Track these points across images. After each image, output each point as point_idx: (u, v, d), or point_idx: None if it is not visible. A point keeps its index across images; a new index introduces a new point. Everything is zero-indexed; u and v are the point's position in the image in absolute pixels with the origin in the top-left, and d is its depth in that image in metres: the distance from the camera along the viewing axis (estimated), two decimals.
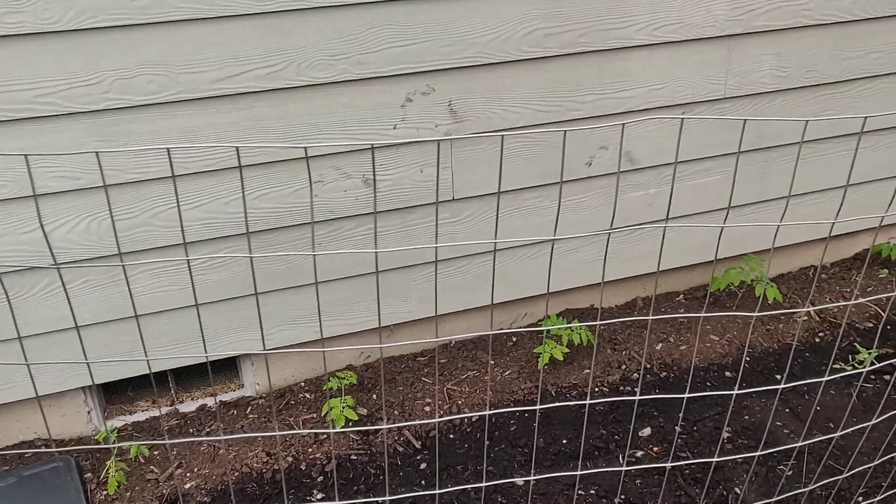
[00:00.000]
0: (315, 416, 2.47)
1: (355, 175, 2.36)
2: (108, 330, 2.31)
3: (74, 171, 2.09)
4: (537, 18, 2.32)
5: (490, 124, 2.42)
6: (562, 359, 2.56)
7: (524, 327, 2.85)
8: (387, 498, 1.83)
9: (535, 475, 2.18)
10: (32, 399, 2.35)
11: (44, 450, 2.06)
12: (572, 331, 2.63)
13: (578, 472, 1.68)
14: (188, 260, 1.22)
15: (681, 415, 1.96)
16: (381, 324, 2.64)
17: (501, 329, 2.85)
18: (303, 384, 2.63)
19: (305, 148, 1.15)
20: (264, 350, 2.50)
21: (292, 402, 2.55)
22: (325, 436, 2.39)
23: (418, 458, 2.31)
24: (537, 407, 1.43)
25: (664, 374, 2.63)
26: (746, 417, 2.43)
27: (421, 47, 2.24)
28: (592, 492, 2.16)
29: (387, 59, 2.23)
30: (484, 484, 1.69)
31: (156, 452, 2.37)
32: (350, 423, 2.37)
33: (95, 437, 2.43)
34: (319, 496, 2.18)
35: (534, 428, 2.40)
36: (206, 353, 2.45)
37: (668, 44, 2.50)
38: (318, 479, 2.24)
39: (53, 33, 1.92)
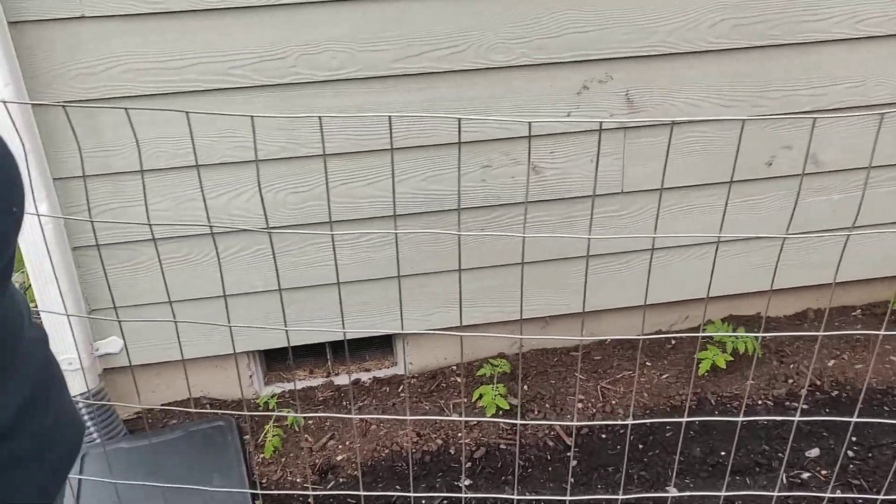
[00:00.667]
0: (467, 400, 2.46)
1: (524, 161, 2.32)
2: (273, 298, 2.39)
3: (257, 142, 2.15)
4: (727, 8, 2.20)
5: (667, 116, 2.32)
6: (724, 367, 2.44)
7: (684, 331, 2.74)
8: (519, 497, 1.80)
9: (685, 490, 2.08)
10: (201, 359, 2.47)
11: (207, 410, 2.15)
12: (737, 339, 2.49)
13: (723, 493, 1.58)
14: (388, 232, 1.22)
15: (853, 439, 1.81)
16: (522, 315, 2.60)
17: (660, 330, 2.74)
18: (454, 367, 2.63)
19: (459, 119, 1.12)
20: (403, 331, 2.52)
21: (443, 385, 2.56)
22: (475, 421, 2.38)
23: (568, 454, 2.26)
24: (683, 419, 1.35)
25: (835, 392, 2.45)
26: None
27: (601, 34, 2.17)
28: None
29: (566, 45, 2.18)
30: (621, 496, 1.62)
31: (311, 422, 2.43)
32: (500, 412, 2.34)
33: (255, 401, 2.52)
34: (467, 482, 2.17)
35: (691, 436, 2.29)
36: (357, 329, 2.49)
37: (869, 38, 2.32)
38: (467, 465, 2.23)
39: (248, 8, 1.99)
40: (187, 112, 1.37)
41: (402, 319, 2.47)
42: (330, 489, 2.18)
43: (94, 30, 1.97)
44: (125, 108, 1.38)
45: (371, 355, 2.69)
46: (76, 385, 2.27)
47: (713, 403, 2.42)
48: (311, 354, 2.65)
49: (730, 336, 2.49)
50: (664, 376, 2.53)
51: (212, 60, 2.04)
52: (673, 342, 2.69)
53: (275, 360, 2.67)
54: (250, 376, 2.57)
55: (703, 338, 2.64)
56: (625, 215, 2.45)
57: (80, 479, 2.15)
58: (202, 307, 2.36)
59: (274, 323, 2.42)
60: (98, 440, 2.31)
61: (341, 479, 2.20)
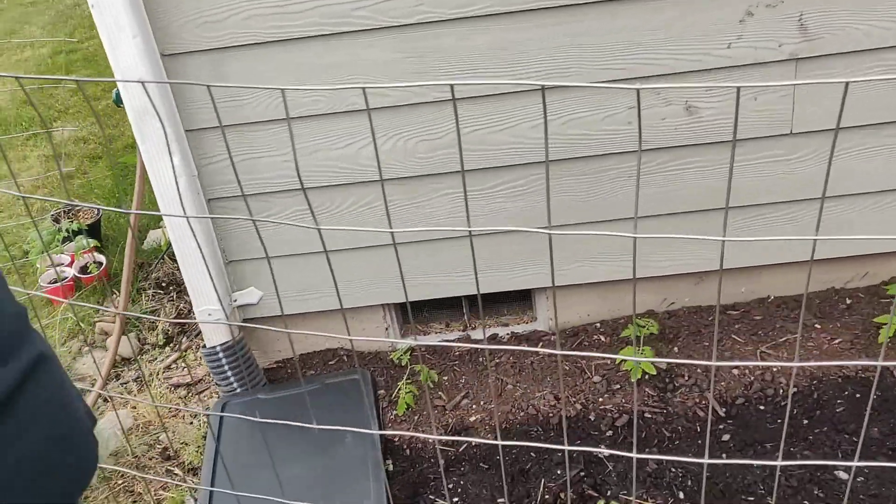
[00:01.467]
0: (609, 362, 2.30)
1: (676, 101, 2.08)
2: (408, 251, 2.30)
3: (383, 88, 2.04)
4: None
5: (849, 43, 2.00)
6: None
7: (861, 290, 2.41)
8: (705, 461, 1.62)
9: (859, 476, 1.83)
10: (337, 311, 2.44)
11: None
12: None
13: None
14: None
15: None
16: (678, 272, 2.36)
17: (832, 288, 2.44)
18: (598, 325, 2.46)
19: None
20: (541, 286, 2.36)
21: (585, 343, 2.40)
22: (617, 386, 2.21)
23: (720, 426, 2.06)
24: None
25: None
26: None
27: None
28: None
29: None
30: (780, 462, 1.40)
31: (445, 378, 2.35)
32: (646, 377, 2.16)
33: (390, 356, 2.46)
34: (606, 452, 2.02)
35: (865, 412, 2.02)
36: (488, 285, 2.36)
37: None
38: (607, 433, 2.08)
39: None
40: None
41: (552, 273, 2.32)
42: (462, 451, 2.10)
43: None
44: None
45: (509, 309, 2.57)
46: (217, 336, 2.30)
47: (895, 376, 2.12)
48: (447, 307, 2.56)
49: None
50: (836, 341, 2.24)
51: (333, 2, 1.93)
52: (848, 302, 2.38)
53: (412, 313, 2.60)
54: (386, 329, 2.52)
55: (886, 297, 2.32)
56: (793, 160, 2.16)
57: (220, 427, 2.19)
58: (337, 259, 2.31)
59: (409, 276, 2.34)
60: (238, 389, 2.34)
61: (473, 443, 2.11)
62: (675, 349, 2.31)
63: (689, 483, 1.91)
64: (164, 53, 2.00)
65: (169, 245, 3.33)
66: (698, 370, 2.22)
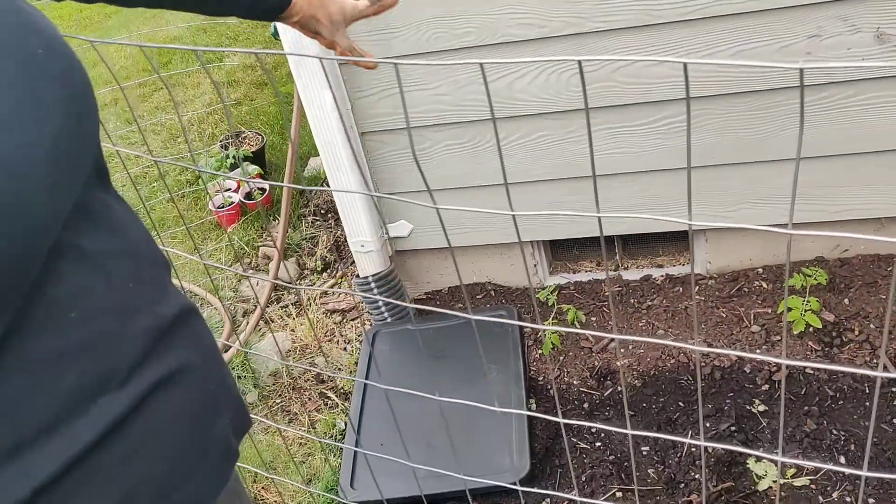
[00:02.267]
0: (769, 311, 2.16)
1: (866, 28, 1.86)
2: (560, 188, 2.23)
3: (539, 18, 1.96)
4: None
5: None
6: None
7: None
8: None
9: None
10: (485, 246, 2.42)
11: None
12: None
13: None
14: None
15: None
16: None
17: None
18: (760, 270, 2.31)
19: None
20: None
21: (745, 290, 2.26)
22: (777, 337, 2.08)
23: (894, 389, 1.89)
24: None
25: None
26: None
27: None
28: None
29: None
30: None
31: (593, 319, 2.30)
32: (811, 330, 2.02)
33: (538, 292, 2.43)
34: (761, 408, 1.91)
35: None
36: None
37: None
38: (763, 388, 1.97)
39: None
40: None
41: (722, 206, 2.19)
42: (607, 396, 2.06)
43: None
44: None
45: (664, 249, 2.46)
46: (369, 266, 2.36)
47: None
48: (598, 246, 2.49)
49: None
50: None
51: None
52: None
53: (560, 250, 2.55)
54: (535, 265, 2.48)
55: None
56: None
57: (370, 355, 2.26)
58: (485, 194, 2.29)
59: (559, 212, 2.28)
60: (389, 319, 2.40)
61: (619, 388, 2.07)
62: (846, 301, 2.13)
63: (853, 448, 1.78)
64: None
65: (324, 178, 3.43)
66: (871, 325, 2.05)
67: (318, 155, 3.41)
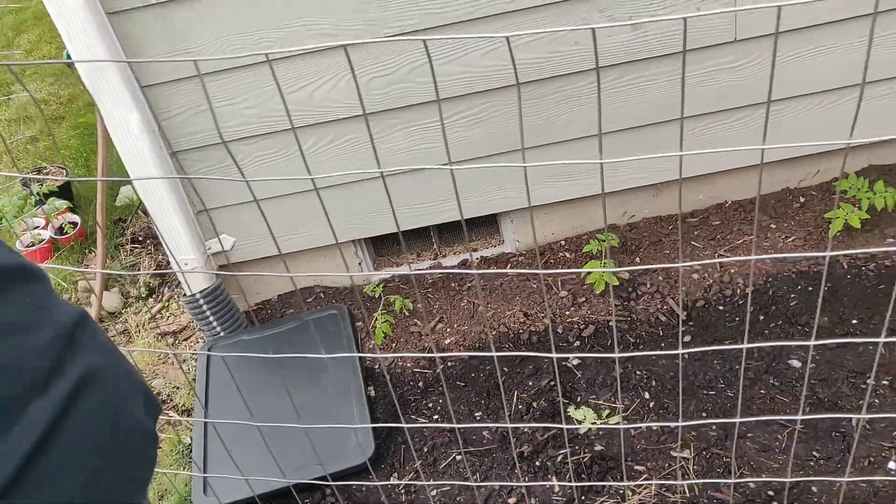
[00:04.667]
0: (574, 277, 2.39)
1: (621, 17, 2.12)
2: (375, 185, 2.36)
3: (334, 28, 2.07)
4: None
5: None
6: (859, 226, 2.22)
7: (814, 188, 2.50)
8: (620, 355, 1.72)
9: (812, 363, 1.95)
10: (311, 249, 2.51)
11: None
12: (874, 193, 2.25)
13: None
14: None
15: None
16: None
17: (786, 188, 2.52)
18: (563, 243, 2.54)
19: None
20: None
21: (552, 261, 2.49)
22: (583, 299, 2.31)
23: (682, 329, 2.16)
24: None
25: None
26: None
27: None
28: (885, 382, 1.89)
29: None
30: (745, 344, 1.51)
31: (419, 306, 2.44)
32: (609, 287, 2.26)
33: (365, 289, 2.55)
34: (575, 361, 2.13)
35: (816, 304, 2.13)
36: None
37: None
38: (575, 344, 2.19)
39: None
40: None
41: (529, 193, 2.39)
42: (439, 371, 2.21)
43: None
44: None
45: (477, 234, 2.65)
46: (196, 283, 2.38)
47: (845, 267, 2.23)
48: (417, 238, 2.64)
49: (864, 189, 2.25)
50: (790, 239, 2.35)
51: None
52: (802, 200, 2.47)
53: (382, 247, 2.68)
54: (359, 264, 2.60)
55: (834, 192, 2.41)
56: (739, 66, 2.21)
57: (207, 368, 2.28)
58: (305, 199, 2.37)
59: (377, 211, 2.40)
60: (222, 333, 2.43)
61: (450, 363, 2.22)
62: (637, 259, 2.40)
63: (654, 383, 2.02)
64: (108, 12, 2.01)
65: (141, 200, 3.38)
66: (660, 277, 2.32)
67: (129, 184, 3.35)
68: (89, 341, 0.72)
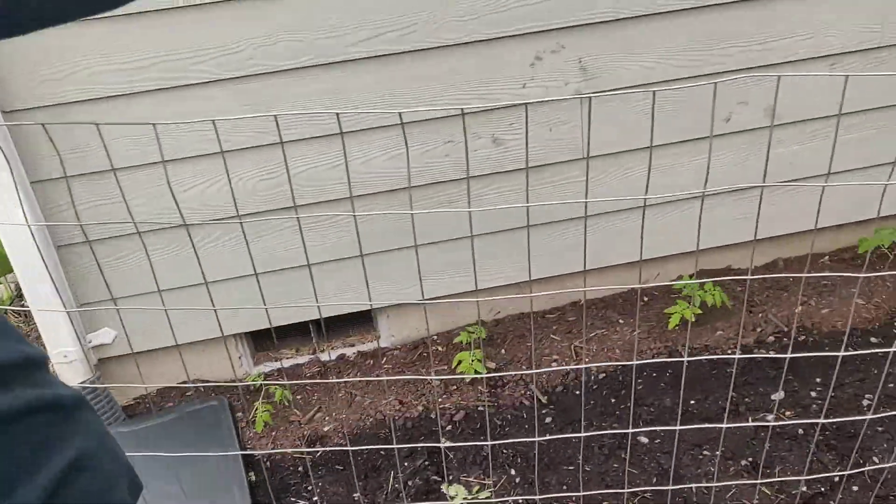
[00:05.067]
0: (446, 367, 2.57)
1: (484, 135, 2.40)
2: (255, 283, 2.48)
3: (224, 133, 2.24)
4: None
5: (623, 80, 2.39)
6: (693, 320, 2.53)
7: (655, 288, 2.82)
8: (493, 443, 1.90)
9: (656, 438, 2.18)
10: (191, 343, 2.57)
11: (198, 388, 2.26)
12: (705, 291, 2.58)
13: (724, 426, 1.67)
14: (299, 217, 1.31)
15: (817, 380, 1.90)
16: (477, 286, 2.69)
17: (633, 289, 2.83)
18: (435, 337, 2.73)
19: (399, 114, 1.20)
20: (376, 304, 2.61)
21: (425, 355, 2.66)
22: (454, 387, 2.48)
23: (543, 412, 2.36)
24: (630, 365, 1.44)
25: (802, 337, 2.54)
26: (892, 385, 2.32)
27: (550, 5, 2.24)
28: (719, 452, 2.14)
29: (516, 18, 2.24)
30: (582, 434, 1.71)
31: (298, 397, 2.54)
32: (478, 376, 2.44)
33: (245, 381, 2.63)
34: (447, 443, 2.28)
35: (660, 388, 2.39)
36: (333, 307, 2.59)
37: None
38: (447, 428, 2.34)
39: (203, 5, 2.06)
40: (153, 123, 1.45)
41: (420, 287, 2.57)
42: (318, 458, 2.30)
43: (58, 35, 2.05)
44: (94, 123, 1.46)
45: (354, 331, 2.80)
46: (73, 376, 2.39)
47: (682, 356, 2.51)
48: (296, 333, 2.76)
49: (697, 289, 2.57)
50: (635, 332, 2.62)
51: (173, 59, 2.12)
52: (646, 299, 2.78)
53: (262, 341, 2.78)
54: (239, 357, 2.68)
55: (673, 292, 2.73)
56: (589, 179, 2.52)
57: None
58: (188, 294, 2.46)
59: (259, 306, 2.52)
60: None
61: (329, 448, 2.32)
62: (503, 351, 2.61)
63: (519, 461, 2.19)
64: (4, 110, 2.11)
65: (11, 299, 3.33)
66: (523, 367, 2.54)
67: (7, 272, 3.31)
68: (83, 425, 0.70)
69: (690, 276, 2.75)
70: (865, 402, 2.26)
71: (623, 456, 2.18)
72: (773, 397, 2.32)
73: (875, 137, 2.63)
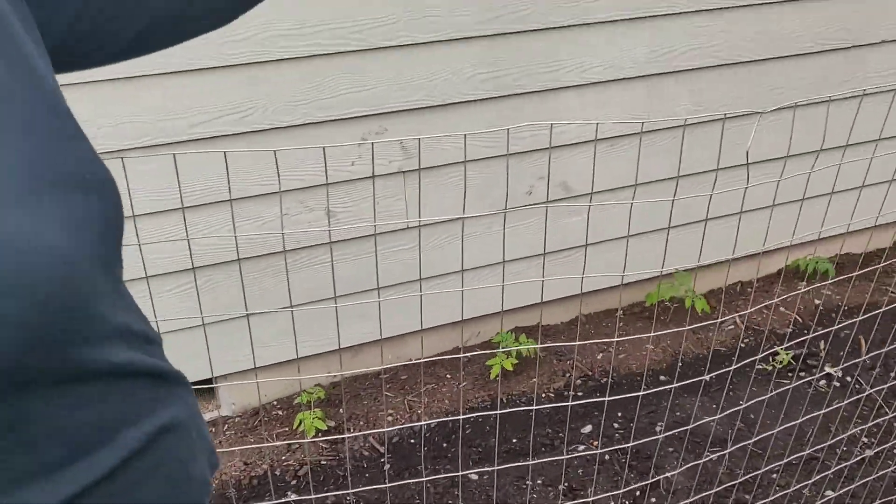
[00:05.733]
0: (287, 429, 2.70)
1: (318, 208, 2.62)
2: None
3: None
4: (477, 66, 2.63)
5: (439, 159, 2.71)
6: (512, 370, 2.83)
7: (477, 345, 3.12)
8: (350, 491, 2.07)
9: (485, 475, 2.43)
10: None
11: None
12: (520, 344, 2.90)
13: (530, 463, 1.93)
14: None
15: (619, 414, 2.22)
16: (296, 352, 2.88)
17: (457, 347, 3.11)
18: (275, 402, 2.86)
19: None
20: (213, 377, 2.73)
21: (266, 419, 2.78)
22: (297, 445, 2.62)
23: (382, 461, 2.55)
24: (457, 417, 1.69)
25: (604, 379, 2.91)
26: (678, 414, 2.71)
27: (375, 92, 2.53)
28: (539, 482, 2.41)
29: (344, 104, 2.52)
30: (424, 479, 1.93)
31: None
32: (319, 433, 2.60)
33: None
34: (293, 497, 2.40)
35: (486, 431, 2.65)
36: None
37: (594, 84, 2.82)
38: (292, 483, 2.47)
39: None
40: None
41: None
42: None
43: None
44: None
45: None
46: None
47: (504, 402, 2.80)
48: None
49: (514, 343, 2.89)
50: (462, 385, 2.89)
51: None
52: (469, 355, 3.06)
53: None
54: None
55: (495, 347, 3.03)
56: (413, 248, 2.81)
57: None
58: None
59: None
60: None
61: None
62: (341, 410, 2.78)
63: None
64: None
65: None
66: (361, 422, 2.72)
67: None
68: (180, 398, 0.78)
69: (509, 332, 3.07)
70: (658, 429, 2.63)
71: (456, 493, 2.40)
72: (582, 430, 2.64)
73: (652, 207, 3.11)
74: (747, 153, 1.91)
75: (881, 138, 3.24)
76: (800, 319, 3.23)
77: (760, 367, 2.92)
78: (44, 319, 0.61)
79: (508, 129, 1.58)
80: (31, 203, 0.59)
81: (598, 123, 2.82)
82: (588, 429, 2.65)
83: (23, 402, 0.65)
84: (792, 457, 2.39)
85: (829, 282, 2.44)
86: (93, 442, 0.69)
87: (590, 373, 2.94)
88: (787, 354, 2.95)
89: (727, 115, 3.02)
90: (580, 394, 2.82)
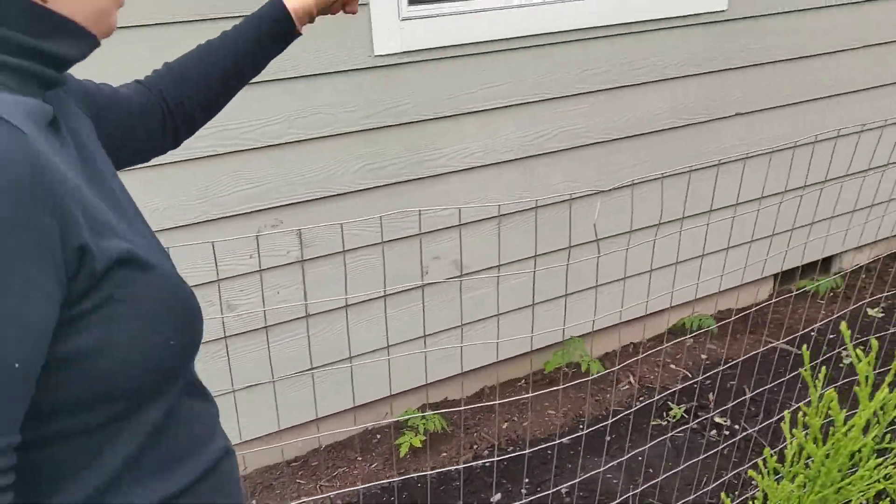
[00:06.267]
0: None
1: (217, 301, 2.69)
2: None
3: None
4: (362, 157, 2.79)
5: (335, 247, 2.83)
6: (420, 446, 2.90)
7: (384, 425, 3.18)
8: None
9: None
10: None
11: None
12: (427, 420, 2.98)
13: None
14: None
15: (526, 480, 2.31)
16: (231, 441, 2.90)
17: (367, 429, 3.17)
18: None
19: None
20: None
21: None
22: None
23: None
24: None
25: (511, 448, 3.01)
26: (582, 474, 2.83)
27: (269, 187, 2.65)
28: None
29: (240, 200, 2.62)
30: None
31: None
32: None
33: None
34: None
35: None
36: None
37: (475, 168, 3.02)
38: None
39: None
40: None
41: None
42: None
43: None
44: None
45: None
46: None
47: (415, 478, 2.86)
48: None
49: (420, 419, 2.97)
50: (373, 465, 2.94)
51: None
52: (378, 436, 3.12)
53: None
54: None
55: (403, 425, 3.10)
56: (314, 335, 2.89)
57: None
58: None
59: None
60: None
61: None
62: (254, 501, 2.79)
63: None
64: None
65: None
66: None
67: None
68: (223, 431, 1.03)
69: (417, 409, 3.16)
70: (564, 490, 2.74)
71: None
72: (492, 500, 2.73)
73: (536, 278, 3.30)
74: (594, 226, 2.10)
75: (738, 202, 3.55)
76: (689, 375, 3.43)
77: (655, 423, 3.08)
78: (198, 333, 0.90)
79: (381, 217, 1.72)
80: (168, 260, 0.90)
81: (459, 208, 3.01)
82: (497, 497, 2.73)
83: (172, 403, 0.86)
84: (688, 498, 2.54)
85: (710, 337, 2.64)
86: (189, 450, 0.88)
87: (496, 442, 3.04)
88: (679, 409, 3.13)
89: (573, 196, 3.27)
90: (486, 464, 2.91)
